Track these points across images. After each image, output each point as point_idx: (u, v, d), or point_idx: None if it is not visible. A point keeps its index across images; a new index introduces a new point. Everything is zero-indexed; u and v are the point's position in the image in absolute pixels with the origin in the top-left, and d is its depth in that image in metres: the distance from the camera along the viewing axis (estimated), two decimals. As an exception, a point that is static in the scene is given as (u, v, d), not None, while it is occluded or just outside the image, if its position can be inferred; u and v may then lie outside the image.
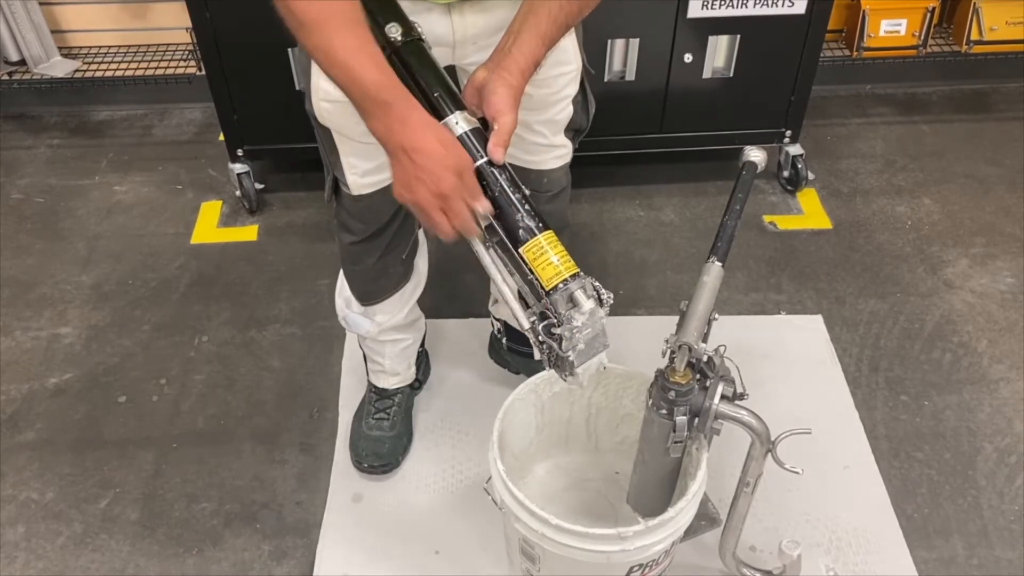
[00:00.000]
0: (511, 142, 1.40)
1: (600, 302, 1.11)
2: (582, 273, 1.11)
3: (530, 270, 1.11)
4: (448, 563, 1.61)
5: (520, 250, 1.11)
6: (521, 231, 1.11)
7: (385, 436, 1.75)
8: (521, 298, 1.16)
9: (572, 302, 1.09)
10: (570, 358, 1.12)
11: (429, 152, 1.06)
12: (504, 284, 1.16)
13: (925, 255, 2.28)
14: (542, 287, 1.11)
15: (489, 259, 1.16)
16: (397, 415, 1.77)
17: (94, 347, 2.05)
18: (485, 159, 1.11)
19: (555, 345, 1.12)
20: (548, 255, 1.10)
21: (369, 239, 1.50)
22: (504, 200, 1.12)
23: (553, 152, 1.45)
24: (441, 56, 1.27)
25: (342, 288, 1.66)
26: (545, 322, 1.12)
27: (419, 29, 1.14)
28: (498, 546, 1.57)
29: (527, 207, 1.11)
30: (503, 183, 1.12)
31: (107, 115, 2.83)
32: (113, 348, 2.05)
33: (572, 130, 1.45)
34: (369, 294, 1.61)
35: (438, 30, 1.23)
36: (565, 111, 1.40)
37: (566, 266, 1.10)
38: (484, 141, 1.13)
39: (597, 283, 1.12)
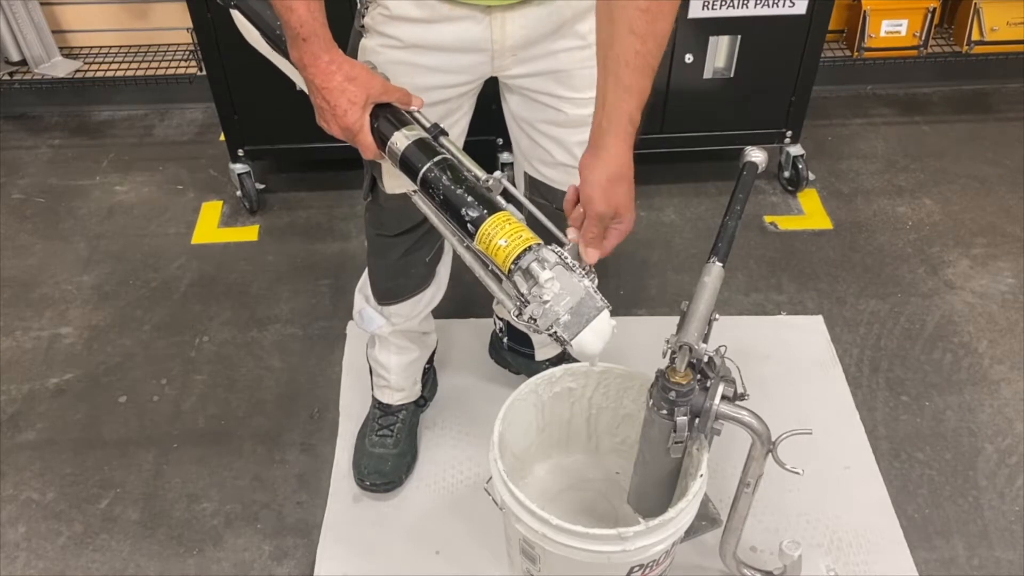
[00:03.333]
0: (543, 160, 1.41)
1: (569, 267, 1.05)
2: (536, 245, 1.04)
3: (488, 260, 1.08)
4: (448, 563, 1.61)
5: (473, 244, 1.09)
6: (469, 225, 1.08)
7: (388, 454, 1.73)
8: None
9: (531, 278, 1.03)
10: (558, 333, 1.05)
11: (334, 88, 1.13)
12: (488, 279, 1.12)
13: (926, 255, 2.28)
14: (501, 273, 1.07)
15: (471, 259, 1.13)
16: (401, 432, 1.76)
17: (95, 347, 2.05)
18: (426, 165, 1.12)
19: (536, 327, 1.06)
20: (496, 239, 1.05)
21: (397, 236, 1.51)
22: (450, 200, 1.10)
23: None
24: (479, 66, 1.28)
25: (363, 285, 1.67)
26: (519, 307, 1.06)
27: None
28: (498, 546, 1.57)
29: (470, 198, 1.08)
30: (445, 183, 1.10)
31: (108, 115, 2.83)
32: (114, 348, 2.05)
33: None
34: (389, 292, 1.62)
35: (477, 37, 1.23)
36: None
37: (515, 244, 1.04)
38: (427, 148, 1.14)
39: (559, 249, 1.06)
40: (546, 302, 1.03)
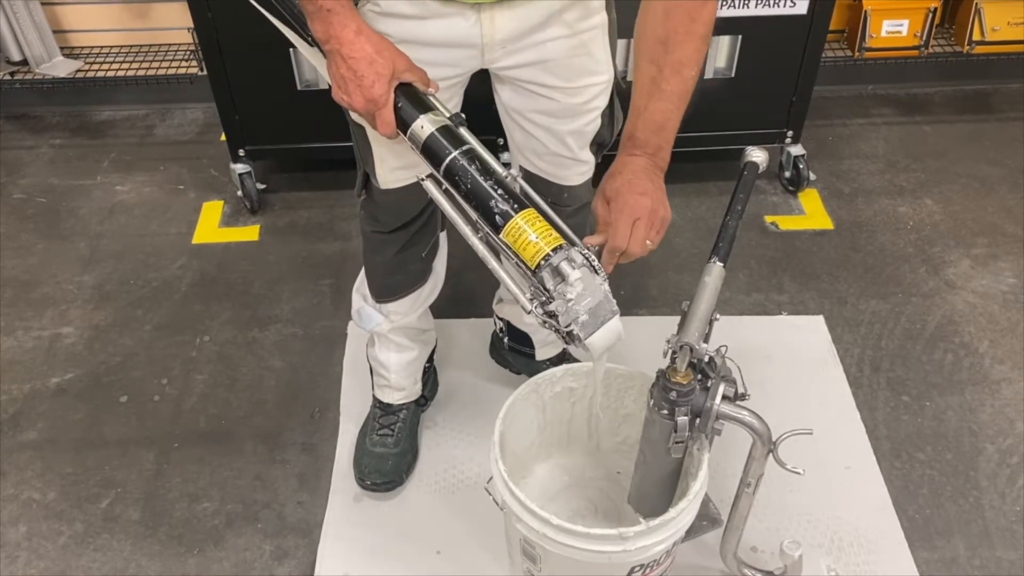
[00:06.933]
0: (536, 151, 1.43)
1: (594, 269, 1.10)
2: (565, 244, 1.10)
3: (514, 253, 1.11)
4: (449, 563, 1.61)
5: (500, 236, 1.12)
6: (497, 217, 1.11)
7: (389, 453, 1.73)
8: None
9: (559, 276, 1.08)
10: (575, 331, 1.10)
11: (362, 58, 1.12)
12: (502, 271, 1.16)
13: (927, 255, 2.28)
14: (527, 267, 1.10)
15: (484, 250, 1.16)
16: (402, 431, 1.75)
17: (96, 347, 2.06)
18: (453, 154, 1.13)
19: (554, 322, 1.11)
20: (527, 234, 1.10)
21: (393, 232, 1.52)
22: (477, 191, 1.12)
23: (577, 168, 1.46)
24: (469, 60, 1.29)
25: (360, 284, 1.68)
26: (539, 301, 1.11)
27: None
28: (499, 546, 1.57)
29: (500, 191, 1.12)
30: (473, 173, 1.13)
31: (109, 115, 2.83)
32: (115, 348, 2.05)
33: (595, 143, 1.45)
34: (386, 289, 1.62)
35: (467, 33, 1.24)
36: (593, 123, 1.40)
37: (546, 241, 1.09)
38: (452, 136, 1.15)
39: (586, 251, 1.11)
40: (570, 300, 1.08)
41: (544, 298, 1.10)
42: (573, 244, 1.13)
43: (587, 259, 1.10)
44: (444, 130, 1.15)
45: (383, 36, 1.15)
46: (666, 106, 1.16)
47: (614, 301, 1.12)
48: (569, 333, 1.11)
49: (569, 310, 1.09)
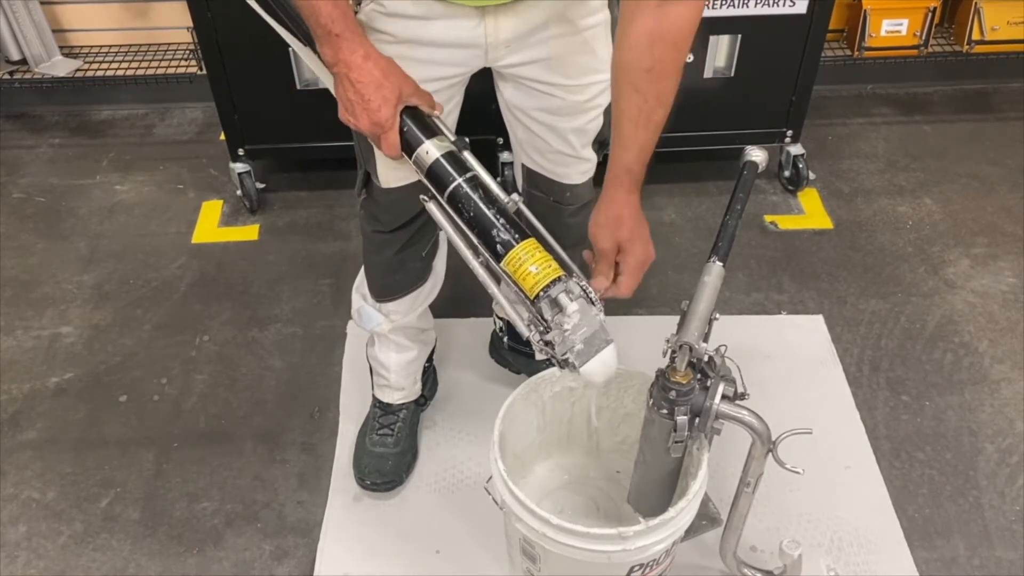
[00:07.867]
0: (539, 149, 1.45)
1: (590, 301, 1.14)
2: (564, 276, 1.13)
3: (514, 282, 1.14)
4: (448, 563, 1.61)
5: (501, 264, 1.14)
6: (499, 246, 1.14)
7: (389, 453, 1.73)
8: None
9: (557, 307, 1.12)
10: (569, 359, 1.13)
11: (369, 83, 1.14)
12: (502, 296, 1.19)
13: (926, 255, 2.28)
14: (527, 297, 1.13)
15: (484, 274, 1.18)
16: (402, 431, 1.76)
17: (95, 346, 2.06)
18: (457, 181, 1.16)
19: (551, 350, 1.14)
20: (526, 265, 1.13)
21: (393, 231, 1.52)
22: (480, 219, 1.15)
23: (579, 166, 1.46)
24: (473, 59, 1.30)
25: (360, 284, 1.68)
26: (537, 330, 1.15)
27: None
28: (498, 546, 1.57)
29: (502, 221, 1.15)
30: (477, 201, 1.15)
31: (108, 114, 2.83)
32: (114, 347, 2.05)
33: (597, 142, 1.45)
34: (386, 288, 1.62)
35: (471, 34, 1.25)
36: (596, 121, 1.40)
37: (545, 272, 1.12)
38: (457, 163, 1.17)
39: (583, 282, 1.15)
40: (566, 330, 1.12)
41: (542, 327, 1.14)
42: (571, 275, 1.15)
43: (584, 290, 1.14)
44: (449, 156, 1.17)
45: (390, 59, 1.17)
46: (653, 137, 1.17)
47: (608, 331, 1.15)
48: (565, 360, 1.14)
49: (565, 339, 1.12)
